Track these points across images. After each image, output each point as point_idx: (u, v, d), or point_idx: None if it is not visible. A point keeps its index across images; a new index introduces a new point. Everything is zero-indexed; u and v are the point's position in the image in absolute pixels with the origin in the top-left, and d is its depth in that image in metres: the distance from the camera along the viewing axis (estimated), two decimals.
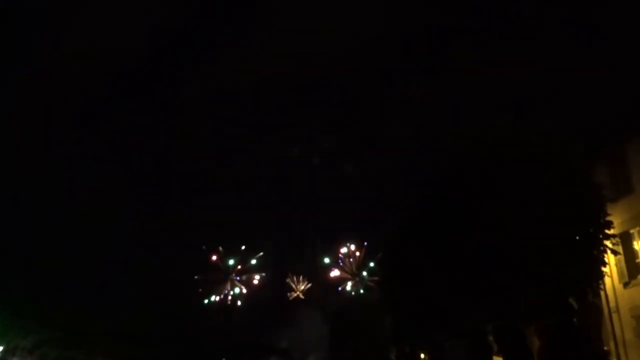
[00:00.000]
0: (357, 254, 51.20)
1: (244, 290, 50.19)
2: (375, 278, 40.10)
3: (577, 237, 12.80)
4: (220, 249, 49.90)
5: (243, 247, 50.10)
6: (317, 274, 51.59)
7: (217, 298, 49.20)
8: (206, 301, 48.28)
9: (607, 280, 18.42)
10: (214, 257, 49.85)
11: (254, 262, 50.36)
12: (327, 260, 51.38)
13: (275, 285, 51.71)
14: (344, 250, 51.74)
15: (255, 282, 50.91)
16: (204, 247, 49.59)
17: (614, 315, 20.17)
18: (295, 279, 51.22)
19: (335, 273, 51.32)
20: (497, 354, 15.16)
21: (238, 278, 50.12)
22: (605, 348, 18.27)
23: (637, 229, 19.13)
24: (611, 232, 13.66)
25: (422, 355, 27.37)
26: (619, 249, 15.95)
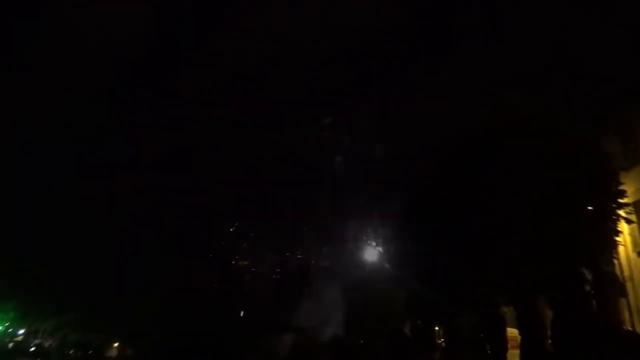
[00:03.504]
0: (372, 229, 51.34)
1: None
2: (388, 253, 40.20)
3: (589, 208, 12.71)
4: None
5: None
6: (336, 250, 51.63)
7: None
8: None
9: (620, 249, 18.32)
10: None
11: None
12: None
13: (296, 261, 51.77)
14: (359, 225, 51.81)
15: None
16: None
17: (628, 284, 20.11)
18: None
19: (351, 248, 51.50)
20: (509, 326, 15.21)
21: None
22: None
23: None
24: (624, 201, 13.54)
25: (437, 328, 27.59)
26: (633, 217, 15.81)
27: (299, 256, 50.79)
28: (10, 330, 52.06)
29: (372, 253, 50.17)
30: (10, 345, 48.95)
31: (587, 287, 12.56)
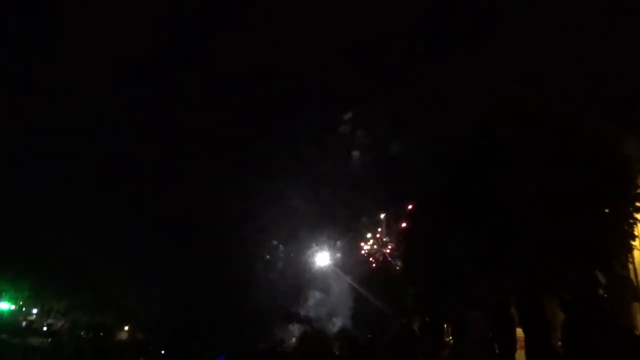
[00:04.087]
0: (381, 227, 51.22)
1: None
2: (396, 252, 40.12)
3: (606, 210, 12.50)
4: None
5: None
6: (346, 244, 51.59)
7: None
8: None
9: (636, 253, 18.00)
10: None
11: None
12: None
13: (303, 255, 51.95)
14: (370, 222, 51.69)
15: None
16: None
17: None
18: None
19: (361, 244, 51.48)
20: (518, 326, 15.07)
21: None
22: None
23: None
24: None
25: (445, 326, 27.45)
26: None
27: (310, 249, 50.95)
28: (24, 309, 52.92)
29: (381, 248, 50.22)
30: (24, 323, 49.82)
31: (601, 291, 12.39)
